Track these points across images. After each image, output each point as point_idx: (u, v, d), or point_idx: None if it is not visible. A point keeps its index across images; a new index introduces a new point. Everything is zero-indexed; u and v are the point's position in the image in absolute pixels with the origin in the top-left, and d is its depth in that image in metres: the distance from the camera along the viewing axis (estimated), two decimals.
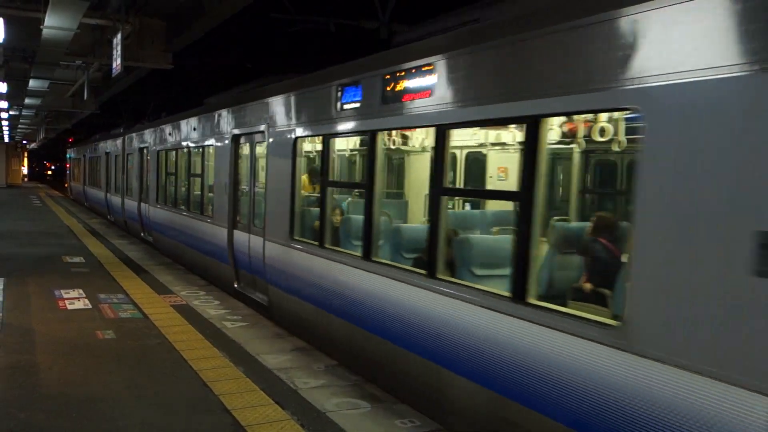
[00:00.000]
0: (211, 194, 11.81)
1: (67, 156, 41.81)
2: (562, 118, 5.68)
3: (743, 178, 3.20)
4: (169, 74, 19.12)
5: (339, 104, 7.11)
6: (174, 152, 14.66)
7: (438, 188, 5.52)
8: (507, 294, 4.61)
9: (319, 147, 8.35)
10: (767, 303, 3.08)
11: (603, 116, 5.84)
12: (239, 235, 10.08)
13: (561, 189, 7.07)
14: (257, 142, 9.62)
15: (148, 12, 16.07)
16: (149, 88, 27.37)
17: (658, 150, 3.61)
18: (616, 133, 5.88)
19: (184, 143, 13.60)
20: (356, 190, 8.35)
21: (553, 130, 5.80)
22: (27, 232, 17.88)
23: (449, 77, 5.38)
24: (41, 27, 12.56)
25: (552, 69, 4.35)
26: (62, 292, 9.72)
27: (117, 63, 14.22)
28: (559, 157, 6.94)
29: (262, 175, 9.45)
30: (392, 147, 8.47)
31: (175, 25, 16.34)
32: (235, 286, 10.18)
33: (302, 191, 8.54)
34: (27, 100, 25.61)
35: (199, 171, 12.58)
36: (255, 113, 9.54)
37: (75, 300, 9.24)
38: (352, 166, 9.82)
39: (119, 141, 21.59)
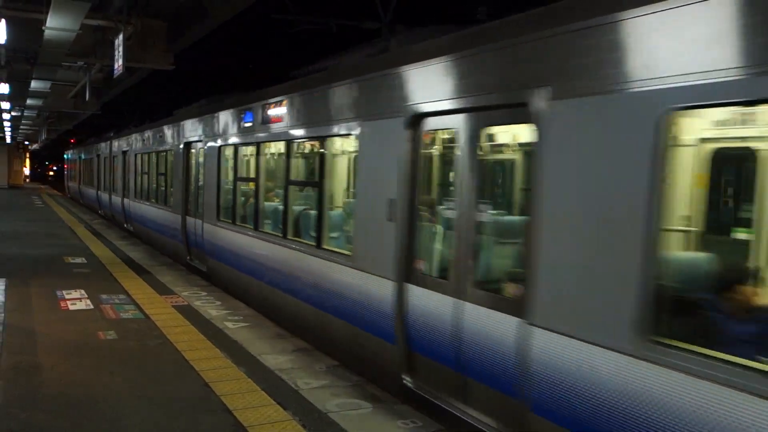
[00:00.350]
0: (171, 189, 14.65)
1: (65, 157, 45.91)
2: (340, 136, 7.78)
3: None
4: (171, 75, 19.12)
5: (242, 123, 10.28)
6: (147, 155, 17.49)
7: (288, 180, 8.61)
8: (313, 243, 7.77)
9: (233, 153, 10.90)
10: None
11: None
12: (189, 220, 13.08)
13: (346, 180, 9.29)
14: (200, 149, 12.59)
15: (149, 13, 16.07)
16: (151, 89, 27.41)
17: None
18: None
19: (153, 148, 16.67)
20: (252, 183, 10.24)
21: (336, 144, 8.21)
22: (29, 233, 17.90)
23: (290, 110, 8.52)
24: (43, 28, 12.56)
25: (327, 110, 7.47)
26: (64, 292, 9.73)
27: (119, 64, 14.23)
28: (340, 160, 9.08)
29: (201, 174, 12.35)
30: (269, 153, 10.27)
31: (176, 26, 16.35)
32: (188, 259, 13.07)
33: (225, 185, 11.27)
34: (29, 101, 25.63)
35: (163, 171, 15.74)
36: (197, 127, 12.70)
37: (77, 300, 9.25)
38: (250, 166, 10.93)
39: (107, 144, 24.87)
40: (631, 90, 3.76)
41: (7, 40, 14.31)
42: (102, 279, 11.07)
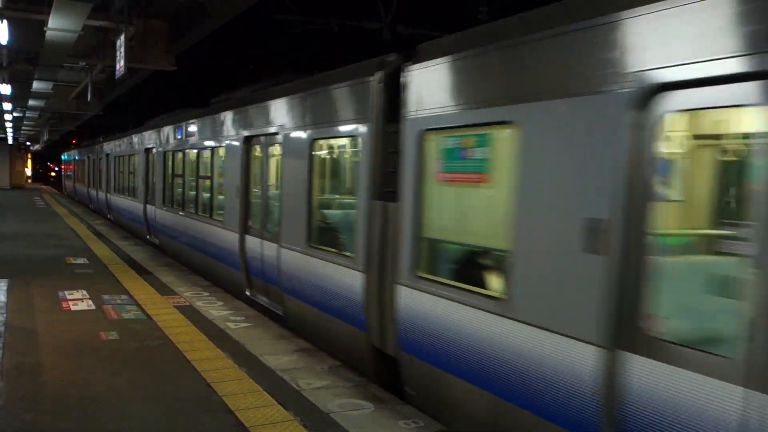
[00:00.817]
0: (138, 184, 18.68)
1: (62, 158, 51.67)
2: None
3: None
4: (173, 76, 19.15)
5: (175, 136, 14.66)
6: (121, 158, 21.99)
7: (201, 176, 12.46)
8: (220, 219, 11.03)
9: (171, 156, 14.99)
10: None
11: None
12: (149, 207, 17.07)
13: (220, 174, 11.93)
14: (154, 153, 16.76)
15: (151, 14, 16.09)
16: (152, 90, 27.43)
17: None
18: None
19: (126, 152, 21.03)
20: (180, 178, 14.07)
21: (220, 151, 11.47)
22: (31, 234, 17.93)
23: (199, 128, 12.68)
24: (45, 29, 12.58)
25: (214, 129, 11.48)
26: (66, 293, 9.74)
27: (120, 64, 14.25)
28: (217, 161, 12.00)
29: (158, 172, 16.18)
30: (195, 159, 13.22)
31: (178, 27, 16.36)
32: (147, 237, 17.42)
33: (167, 180, 15.18)
34: (31, 102, 25.66)
35: (132, 170, 19.92)
36: (152, 136, 17.10)
37: (78, 301, 9.26)
38: (182, 166, 14.61)
39: (95, 148, 29.29)
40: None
41: (8, 41, 14.32)
42: (104, 279, 11.09)
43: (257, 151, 9.80)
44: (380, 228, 6.19)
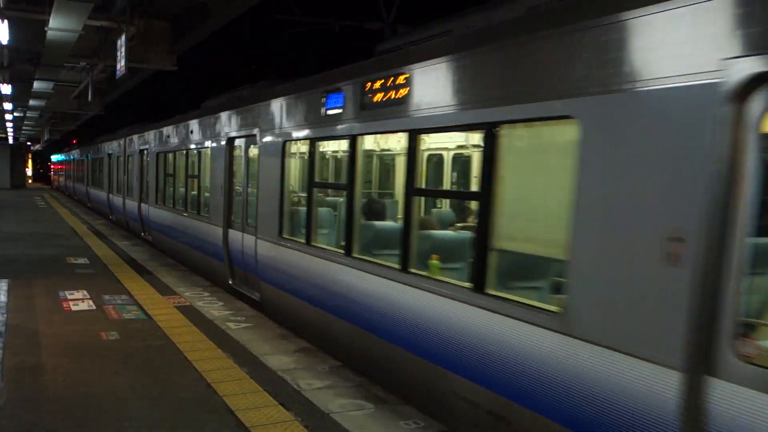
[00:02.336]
0: (114, 181, 22.84)
1: (53, 159, 62.10)
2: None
3: None
4: (174, 76, 19.16)
5: (128, 143, 19.70)
6: (100, 159, 26.51)
7: (190, 175, 13.20)
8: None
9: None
10: None
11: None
12: (120, 199, 21.26)
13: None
14: (129, 157, 19.98)
15: (152, 14, 16.09)
16: (153, 90, 27.44)
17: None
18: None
19: (103, 155, 25.69)
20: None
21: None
22: (31, 233, 17.94)
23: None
24: (46, 29, 12.59)
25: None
26: (67, 293, 9.74)
27: (121, 64, 14.26)
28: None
29: (127, 171, 20.11)
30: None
31: (179, 27, 16.37)
32: (110, 217, 22.89)
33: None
34: (31, 102, 25.68)
35: (108, 170, 24.08)
36: (132, 143, 19.44)
37: (79, 301, 9.26)
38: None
39: (79, 151, 36.02)
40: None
41: (9, 41, 14.34)
42: (104, 279, 11.09)
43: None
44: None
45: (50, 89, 21.89)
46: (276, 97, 8.68)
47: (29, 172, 66.52)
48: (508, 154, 4.73)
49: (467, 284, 4.95)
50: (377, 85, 6.20)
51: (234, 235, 10.23)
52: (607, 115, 3.76)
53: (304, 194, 8.54)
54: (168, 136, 15.06)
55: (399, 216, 6.89)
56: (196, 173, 12.64)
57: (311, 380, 6.18)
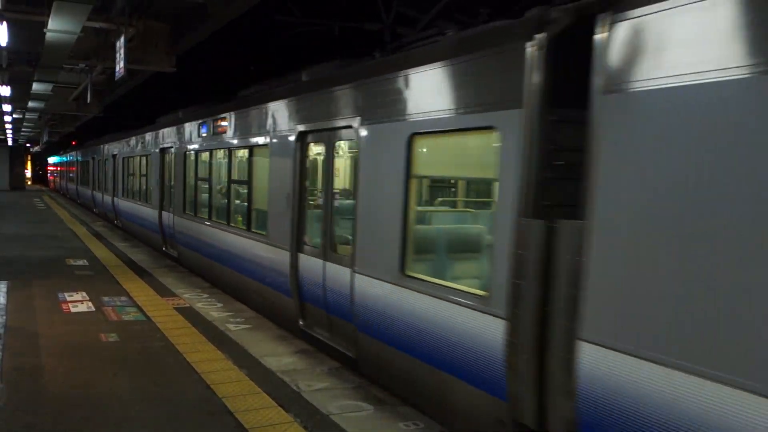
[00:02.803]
0: (98, 180, 26.63)
1: (48, 161, 67.90)
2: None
3: None
4: (173, 77, 19.16)
5: (106, 150, 24.52)
6: (86, 161, 30.98)
7: (235, 181, 10.85)
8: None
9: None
10: None
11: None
12: (106, 197, 23.95)
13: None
14: (109, 158, 23.56)
15: (151, 15, 16.09)
16: (153, 91, 27.44)
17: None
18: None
19: (87, 159, 30.16)
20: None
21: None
22: (31, 235, 17.93)
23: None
24: (45, 30, 12.58)
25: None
26: (66, 294, 9.73)
27: (120, 66, 14.24)
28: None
29: (109, 171, 23.48)
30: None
31: (178, 28, 16.36)
32: (94, 211, 26.96)
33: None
34: (30, 104, 25.66)
35: (90, 171, 28.83)
36: (109, 149, 23.55)
37: (78, 303, 9.25)
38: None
39: (72, 153, 39.76)
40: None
41: (8, 43, 14.32)
42: (103, 281, 11.08)
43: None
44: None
45: (49, 91, 21.87)
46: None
47: (28, 173, 66.46)
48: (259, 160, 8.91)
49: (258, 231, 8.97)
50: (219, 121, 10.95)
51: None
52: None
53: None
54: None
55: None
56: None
57: (310, 381, 6.17)
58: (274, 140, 8.54)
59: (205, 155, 12.28)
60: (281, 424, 5.11)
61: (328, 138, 7.31)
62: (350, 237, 6.66)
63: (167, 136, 15.06)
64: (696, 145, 3.30)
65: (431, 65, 5.44)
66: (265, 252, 8.67)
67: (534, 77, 4.37)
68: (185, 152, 13.43)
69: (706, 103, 3.25)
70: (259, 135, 9.08)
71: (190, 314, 8.78)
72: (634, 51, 3.67)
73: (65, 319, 8.29)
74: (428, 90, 5.49)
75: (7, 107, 27.72)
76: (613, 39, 3.77)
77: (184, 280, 11.46)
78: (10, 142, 50.55)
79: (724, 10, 3.19)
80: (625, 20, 3.72)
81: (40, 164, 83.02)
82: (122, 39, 14.03)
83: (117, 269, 12.41)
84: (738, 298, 3.07)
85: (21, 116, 33.55)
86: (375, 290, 6.06)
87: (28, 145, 61.81)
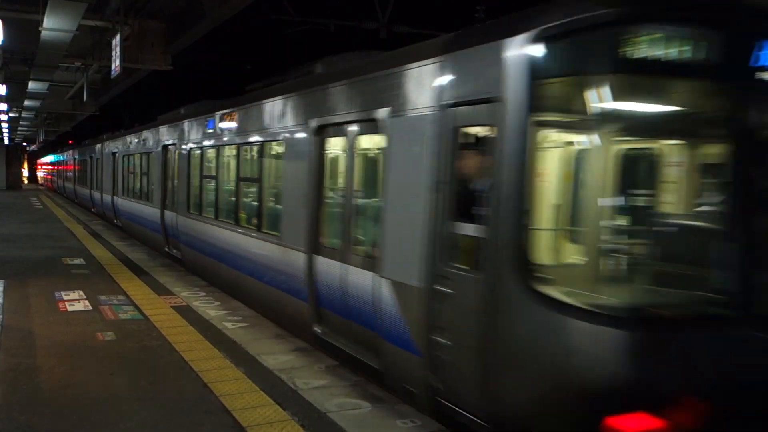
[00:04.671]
0: (87, 177, 28.83)
1: (43, 160, 71.28)
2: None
3: None
4: (169, 76, 19.13)
5: (104, 148, 23.86)
6: (83, 160, 30.81)
7: (244, 179, 10.32)
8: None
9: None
10: None
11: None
12: (96, 193, 26.07)
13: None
14: (90, 159, 26.85)
15: (147, 14, 16.07)
16: (149, 90, 27.40)
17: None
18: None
19: (84, 157, 30.31)
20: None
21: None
22: (27, 235, 17.88)
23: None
24: (40, 29, 12.56)
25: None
26: (62, 293, 9.72)
27: (116, 65, 14.24)
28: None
29: (98, 170, 25.38)
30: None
31: (174, 27, 16.34)
32: (92, 211, 27.56)
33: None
34: (26, 103, 25.64)
35: (88, 170, 28.71)
36: (108, 147, 22.90)
37: (75, 302, 9.23)
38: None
39: (68, 152, 39.80)
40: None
41: (4, 41, 14.29)
42: (101, 280, 11.06)
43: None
44: None
45: (45, 90, 21.85)
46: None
47: (25, 172, 66.29)
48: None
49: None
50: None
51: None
52: None
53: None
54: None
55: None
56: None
57: (308, 379, 6.17)
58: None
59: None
60: (279, 423, 5.11)
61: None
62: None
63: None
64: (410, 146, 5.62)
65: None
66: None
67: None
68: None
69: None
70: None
71: (188, 313, 8.77)
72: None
73: (62, 319, 8.27)
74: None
75: (3, 106, 27.66)
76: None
77: (182, 279, 11.45)
78: (6, 142, 50.43)
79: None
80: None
81: (37, 163, 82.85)
82: (118, 37, 14.01)
83: (114, 268, 12.39)
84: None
85: (17, 115, 33.50)
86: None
87: (24, 144, 61.67)
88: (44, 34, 12.82)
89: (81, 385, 5.87)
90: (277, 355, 6.92)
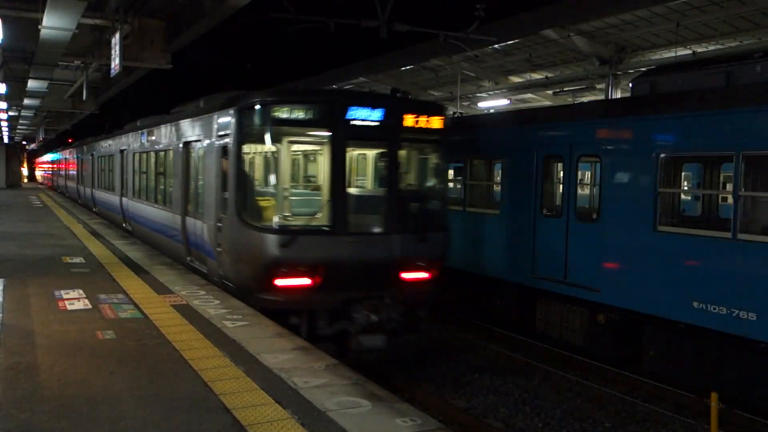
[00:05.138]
0: (76, 175, 32.70)
1: (42, 158, 76.92)
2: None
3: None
4: (169, 74, 19.13)
5: (110, 145, 23.24)
6: (64, 161, 38.73)
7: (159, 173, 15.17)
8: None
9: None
10: None
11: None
12: (81, 187, 30.73)
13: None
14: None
15: (147, 12, 16.07)
16: (149, 88, 27.39)
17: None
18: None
19: (64, 159, 39.36)
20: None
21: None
22: (27, 233, 17.88)
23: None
24: (40, 27, 12.55)
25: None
26: (62, 292, 9.71)
27: (116, 63, 14.22)
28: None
29: (87, 168, 27.93)
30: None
31: (174, 25, 16.34)
32: (79, 202, 32.22)
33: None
34: (26, 101, 25.62)
35: (63, 169, 41.05)
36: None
37: (75, 300, 9.23)
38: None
39: (71, 150, 41.86)
40: None
41: (3, 40, 14.30)
42: (100, 279, 11.06)
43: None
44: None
45: (45, 88, 21.85)
46: None
47: (25, 171, 66.29)
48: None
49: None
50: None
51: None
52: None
53: None
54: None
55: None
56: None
57: (308, 378, 6.17)
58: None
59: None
60: (278, 421, 5.11)
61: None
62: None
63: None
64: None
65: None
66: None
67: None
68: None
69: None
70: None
71: (187, 312, 8.77)
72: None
73: (61, 317, 8.27)
74: None
75: (2, 105, 27.65)
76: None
77: (182, 278, 11.45)
78: (6, 140, 50.42)
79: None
80: None
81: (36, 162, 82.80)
82: (117, 36, 14.00)
83: (114, 267, 12.38)
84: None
85: (17, 114, 33.49)
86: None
87: (24, 142, 61.67)
88: (44, 32, 12.81)
89: (81, 383, 5.87)
90: (277, 354, 6.92)
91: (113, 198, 20.80)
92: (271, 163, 9.83)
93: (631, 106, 9.52)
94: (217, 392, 5.70)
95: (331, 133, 9.24)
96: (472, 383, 9.84)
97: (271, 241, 8.85)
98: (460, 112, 16.78)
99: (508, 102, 22.09)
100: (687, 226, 9.34)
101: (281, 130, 9.49)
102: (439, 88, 23.18)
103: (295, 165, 12.19)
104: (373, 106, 9.30)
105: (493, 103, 22.34)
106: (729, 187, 8.33)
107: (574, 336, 10.07)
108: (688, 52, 14.89)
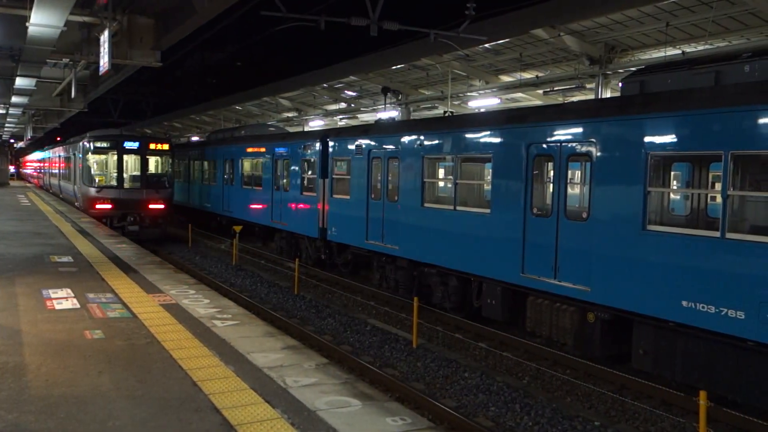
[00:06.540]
0: (67, 173, 33.08)
1: (19, 159, 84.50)
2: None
3: None
4: (159, 72, 19.04)
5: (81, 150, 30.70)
6: (57, 161, 36.90)
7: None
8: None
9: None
10: None
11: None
12: (68, 185, 32.63)
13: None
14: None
15: (136, 10, 15.96)
16: (138, 87, 27.25)
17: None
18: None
19: (58, 159, 36.53)
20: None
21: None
22: (14, 232, 17.74)
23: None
24: (27, 24, 12.44)
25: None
26: (50, 291, 9.65)
27: (105, 61, 14.12)
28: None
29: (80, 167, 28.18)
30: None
31: (163, 23, 16.24)
32: (60, 197, 35.78)
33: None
34: (14, 99, 25.42)
35: (57, 168, 38.03)
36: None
37: (63, 300, 9.17)
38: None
39: (40, 153, 47.02)
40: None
41: None
42: (89, 278, 10.99)
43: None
44: None
45: (33, 86, 21.67)
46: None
47: (12, 169, 65.82)
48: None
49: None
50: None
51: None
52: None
53: None
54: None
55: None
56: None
57: (298, 377, 6.15)
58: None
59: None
60: (268, 421, 5.09)
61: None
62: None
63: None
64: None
65: None
66: None
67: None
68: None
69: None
70: None
71: (177, 311, 8.73)
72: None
73: (49, 317, 8.21)
74: None
75: None
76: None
77: (171, 277, 11.39)
78: None
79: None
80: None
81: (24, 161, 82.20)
82: (106, 33, 13.90)
83: (102, 266, 12.31)
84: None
85: (4, 112, 33.23)
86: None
87: (11, 141, 61.22)
88: (32, 29, 12.70)
89: (69, 383, 5.83)
90: (267, 353, 6.90)
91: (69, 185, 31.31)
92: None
93: (621, 105, 9.56)
94: (207, 392, 5.68)
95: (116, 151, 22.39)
96: (461, 382, 9.86)
97: (93, 191, 21.34)
98: (451, 111, 16.77)
99: (499, 101, 22.17)
100: (676, 226, 9.37)
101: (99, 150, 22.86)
102: (429, 87, 23.19)
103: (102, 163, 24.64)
104: (135, 140, 22.85)
105: (483, 103, 22.41)
106: (718, 186, 8.37)
107: (564, 335, 10.08)
108: (678, 52, 14.96)
